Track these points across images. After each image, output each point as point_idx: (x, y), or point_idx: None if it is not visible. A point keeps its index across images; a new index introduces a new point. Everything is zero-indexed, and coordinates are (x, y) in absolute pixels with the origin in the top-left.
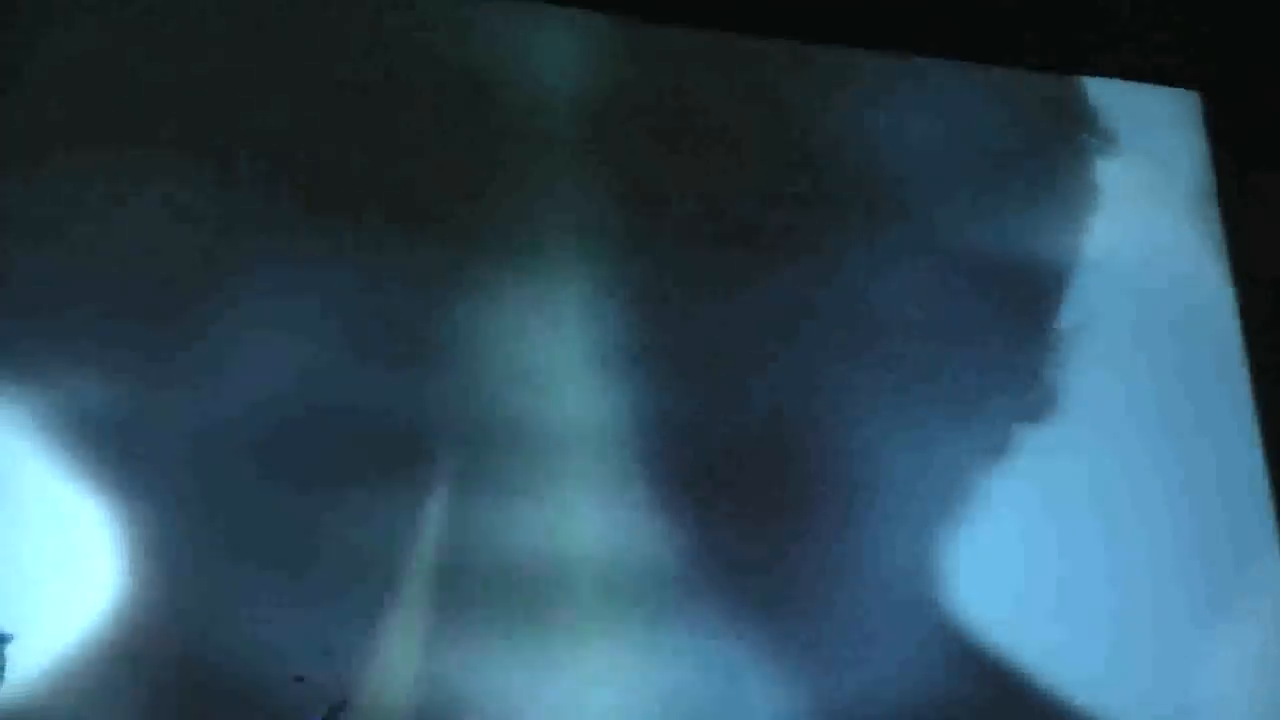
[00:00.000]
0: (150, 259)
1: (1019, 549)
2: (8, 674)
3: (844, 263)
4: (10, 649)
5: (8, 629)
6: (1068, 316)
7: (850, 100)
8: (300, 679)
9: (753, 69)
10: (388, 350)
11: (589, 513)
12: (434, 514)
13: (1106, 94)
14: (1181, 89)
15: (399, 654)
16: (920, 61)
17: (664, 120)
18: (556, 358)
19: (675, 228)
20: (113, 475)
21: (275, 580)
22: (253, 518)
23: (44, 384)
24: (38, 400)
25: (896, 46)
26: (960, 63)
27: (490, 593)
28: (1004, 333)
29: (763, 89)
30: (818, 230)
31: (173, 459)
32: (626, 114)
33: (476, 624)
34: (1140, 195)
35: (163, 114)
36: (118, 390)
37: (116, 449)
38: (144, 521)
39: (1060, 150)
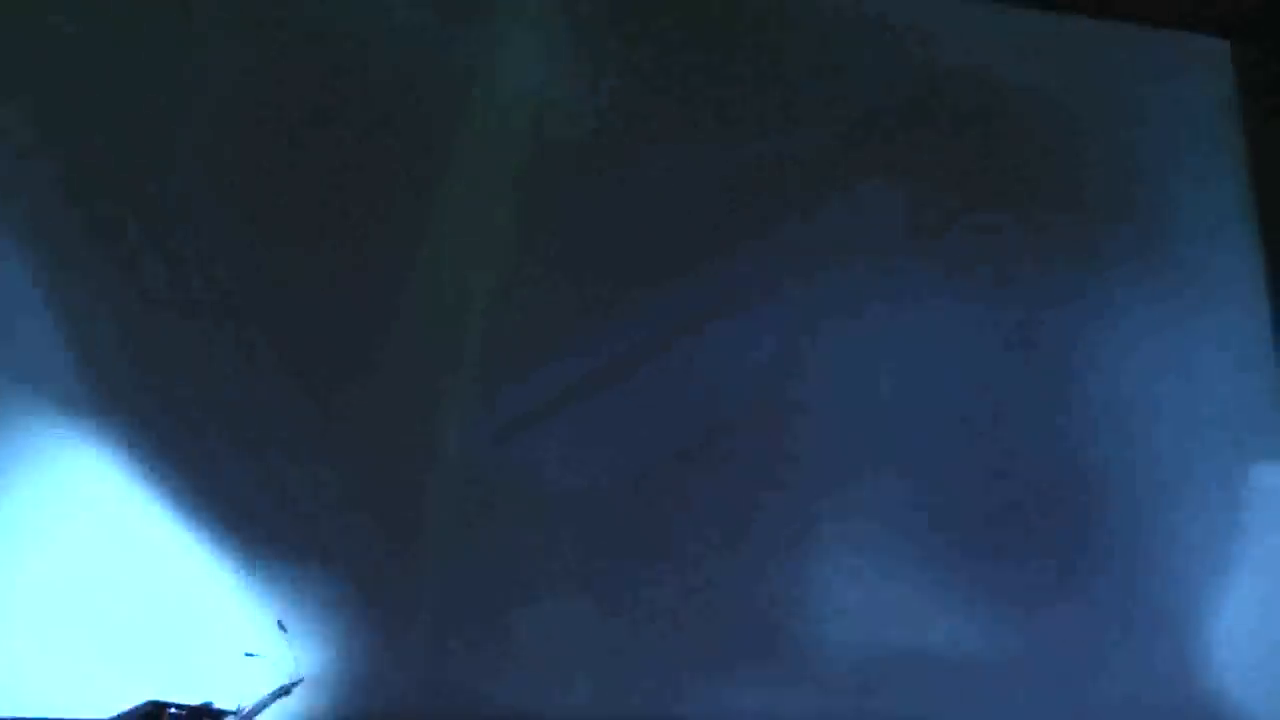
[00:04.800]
0: None
1: None
2: None
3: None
4: None
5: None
6: (1090, 279)
7: (875, 41)
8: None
9: None
10: None
11: None
12: None
13: (1134, 40)
14: (1212, 35)
15: None
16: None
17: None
18: None
19: None
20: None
21: None
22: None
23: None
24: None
25: None
26: (986, 2)
27: None
28: (1013, 299)
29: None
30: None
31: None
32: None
33: None
34: (1167, 144)
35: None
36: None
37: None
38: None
39: (1085, 97)
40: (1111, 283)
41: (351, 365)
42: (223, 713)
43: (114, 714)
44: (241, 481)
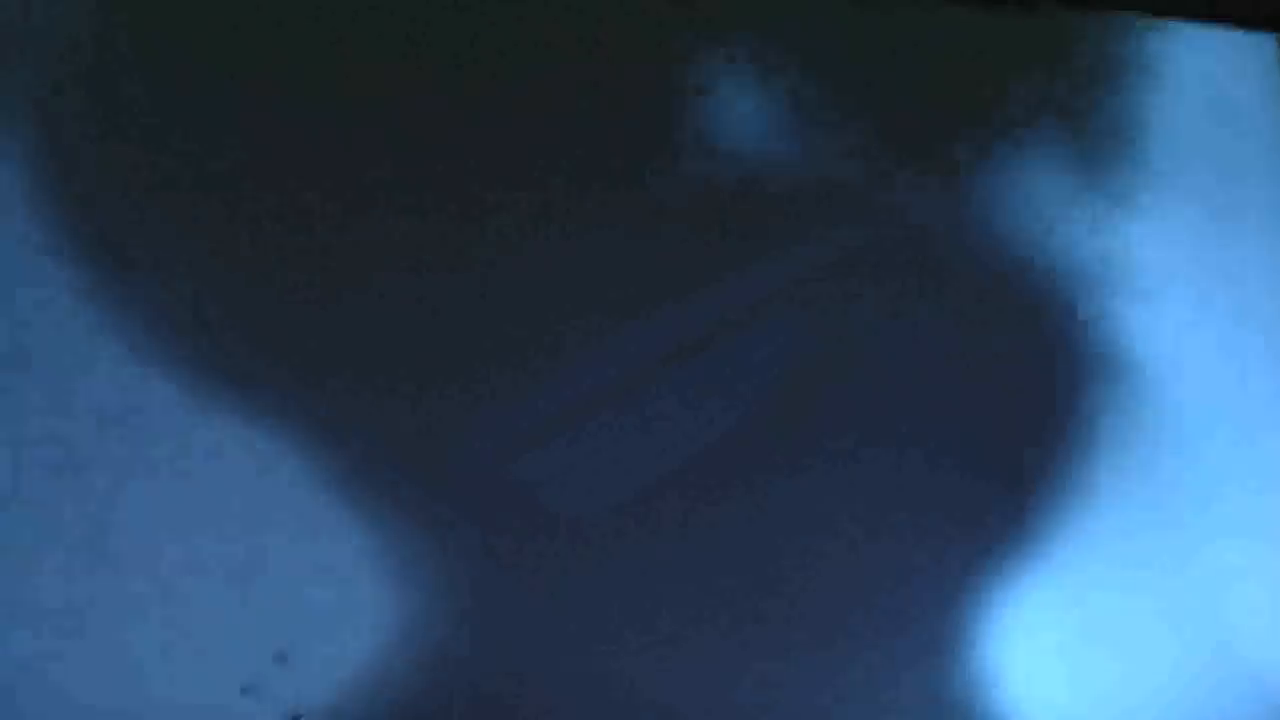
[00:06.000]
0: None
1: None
2: None
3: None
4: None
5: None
6: (1138, 279)
7: (887, 45)
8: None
9: None
10: None
11: None
12: None
13: (1176, 37)
14: (1259, 32)
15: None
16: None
17: None
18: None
19: None
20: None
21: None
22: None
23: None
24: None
25: None
26: (1018, 3)
27: None
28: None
29: None
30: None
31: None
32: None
33: None
34: (1213, 146)
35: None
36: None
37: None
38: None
39: (1124, 98)
40: (1157, 279)
41: (349, 374)
42: None
43: None
44: (240, 498)
